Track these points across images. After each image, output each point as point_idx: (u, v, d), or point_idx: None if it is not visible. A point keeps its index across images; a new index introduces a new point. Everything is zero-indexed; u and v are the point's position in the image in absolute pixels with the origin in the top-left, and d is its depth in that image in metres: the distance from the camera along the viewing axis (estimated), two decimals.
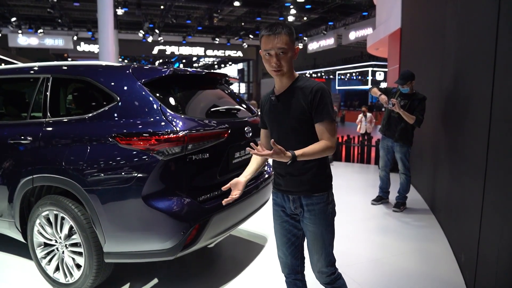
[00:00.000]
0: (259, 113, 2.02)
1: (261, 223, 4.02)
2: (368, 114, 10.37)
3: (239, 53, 29.54)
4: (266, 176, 3.18)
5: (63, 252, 2.57)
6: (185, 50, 27.72)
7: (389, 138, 4.69)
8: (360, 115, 10.37)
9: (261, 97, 2.02)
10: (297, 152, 1.65)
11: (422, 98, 4.41)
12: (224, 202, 1.79)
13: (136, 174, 2.23)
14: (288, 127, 1.82)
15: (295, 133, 1.81)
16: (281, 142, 1.81)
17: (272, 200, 2.00)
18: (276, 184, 1.94)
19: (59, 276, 2.61)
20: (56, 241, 2.60)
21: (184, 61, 40.32)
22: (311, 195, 1.82)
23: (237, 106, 3.03)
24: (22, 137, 2.63)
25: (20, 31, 21.61)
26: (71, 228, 2.48)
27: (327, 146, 1.72)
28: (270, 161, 2.00)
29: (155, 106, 2.33)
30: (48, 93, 2.70)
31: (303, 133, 1.79)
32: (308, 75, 34.48)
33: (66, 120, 2.60)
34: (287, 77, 1.81)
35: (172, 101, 2.47)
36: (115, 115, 2.38)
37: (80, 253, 2.47)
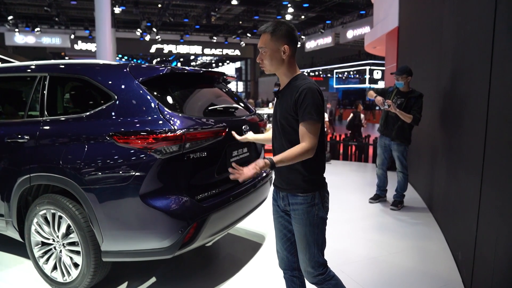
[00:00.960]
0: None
1: (259, 221, 4.02)
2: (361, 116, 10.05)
3: (237, 52, 29.51)
4: (264, 174, 3.19)
5: (60, 251, 2.57)
6: (182, 49, 27.66)
7: (387, 136, 4.70)
8: (351, 114, 10.05)
9: None
10: (275, 159, 1.73)
11: (419, 95, 4.40)
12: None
13: (133, 173, 2.23)
14: (279, 124, 1.87)
15: (283, 130, 1.85)
16: (274, 136, 1.93)
17: (272, 195, 2.08)
18: (274, 179, 2.01)
19: (57, 275, 2.61)
20: (53, 240, 2.59)
21: (181, 59, 40.25)
22: (296, 194, 1.85)
23: (235, 105, 3.02)
24: (19, 136, 2.62)
25: (17, 30, 21.50)
26: (68, 227, 2.48)
27: (304, 149, 1.73)
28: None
29: (152, 104, 2.33)
30: (45, 92, 2.69)
31: (289, 132, 1.83)
32: (306, 74, 34.42)
33: (63, 118, 2.59)
34: (283, 75, 1.87)
35: (169, 99, 2.47)
36: (113, 113, 2.38)
37: (77, 252, 2.47)
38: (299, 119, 1.77)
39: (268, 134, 2.22)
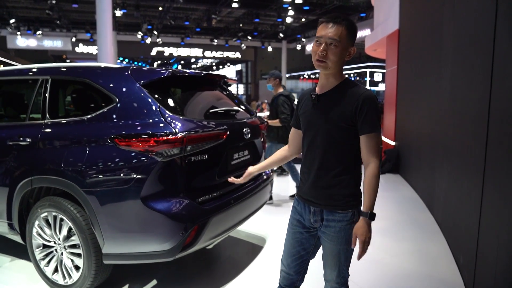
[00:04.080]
0: (294, 110, 1.89)
1: (260, 224, 4.02)
2: None
3: (238, 55, 29.54)
4: (265, 177, 3.19)
5: (62, 253, 2.57)
6: (183, 52, 27.71)
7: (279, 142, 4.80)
8: None
9: (301, 93, 1.86)
10: (368, 207, 1.53)
11: (277, 96, 4.62)
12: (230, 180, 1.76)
13: (135, 176, 2.23)
14: (324, 132, 1.62)
15: (331, 140, 1.62)
16: (311, 148, 1.68)
17: (293, 207, 1.84)
18: (299, 189, 1.78)
19: (58, 278, 2.61)
20: (55, 243, 2.59)
21: (182, 62, 40.30)
22: (335, 210, 1.64)
23: (236, 108, 3.03)
24: (21, 139, 2.63)
25: (18, 33, 21.59)
26: (70, 229, 2.48)
27: (378, 169, 1.56)
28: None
29: (154, 107, 2.34)
30: (47, 95, 2.70)
31: (340, 143, 1.61)
32: (306, 76, 34.51)
33: (65, 121, 2.60)
34: (333, 76, 1.63)
35: (171, 102, 2.48)
36: (114, 116, 2.38)
37: (79, 255, 2.47)
38: (360, 130, 1.56)
39: (271, 159, 1.94)
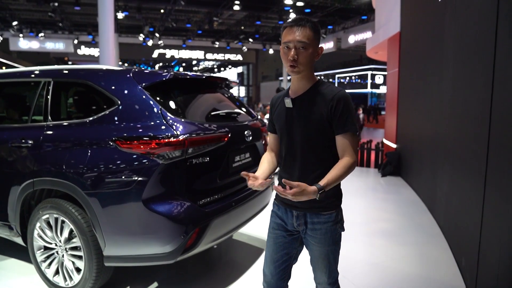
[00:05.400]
0: (268, 115, 1.84)
1: (261, 226, 4.01)
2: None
3: (239, 57, 29.62)
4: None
5: (63, 255, 2.57)
6: (185, 54, 27.79)
7: None
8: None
9: (273, 98, 1.85)
10: (322, 183, 1.48)
11: None
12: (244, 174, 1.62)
13: (136, 178, 2.24)
14: (301, 135, 1.63)
15: (309, 143, 1.62)
16: (290, 152, 1.67)
17: (272, 212, 1.83)
18: (280, 195, 1.71)
19: (59, 280, 2.61)
20: (56, 245, 2.60)
21: (184, 64, 40.41)
22: (319, 213, 1.65)
23: (237, 110, 3.03)
24: (23, 141, 2.64)
25: (21, 35, 21.70)
26: (71, 231, 2.48)
27: (351, 164, 1.56)
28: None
29: (155, 110, 2.34)
30: (49, 97, 2.71)
31: (318, 144, 1.61)
32: None
33: (66, 123, 2.61)
34: (306, 78, 1.62)
35: (172, 105, 2.48)
36: (116, 118, 2.39)
37: (80, 257, 2.47)
38: (335, 130, 1.58)
39: (268, 165, 1.80)
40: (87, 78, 2.60)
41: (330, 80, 36.56)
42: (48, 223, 2.58)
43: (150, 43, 24.09)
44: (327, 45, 24.00)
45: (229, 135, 2.59)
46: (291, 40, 1.55)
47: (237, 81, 3.62)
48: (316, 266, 1.74)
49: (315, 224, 1.66)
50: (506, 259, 2.09)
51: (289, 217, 1.73)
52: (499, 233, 2.20)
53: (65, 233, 2.51)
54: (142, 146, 2.25)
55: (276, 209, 1.81)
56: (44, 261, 2.66)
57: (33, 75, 2.89)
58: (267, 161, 1.82)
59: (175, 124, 2.30)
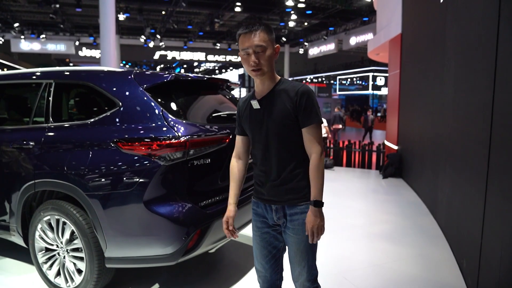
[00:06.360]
0: (236, 119, 1.89)
1: None
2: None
3: (240, 58, 29.65)
4: None
5: (64, 257, 2.57)
6: (186, 55, 27.83)
7: None
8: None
9: (238, 102, 1.91)
10: (316, 197, 1.63)
11: None
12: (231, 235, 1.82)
13: (137, 179, 2.24)
14: (271, 132, 1.70)
15: (279, 139, 1.69)
16: (264, 151, 1.74)
17: (252, 210, 1.87)
18: (257, 192, 1.83)
19: (60, 281, 2.61)
20: (57, 246, 2.60)
21: (185, 66, 40.45)
22: (296, 204, 1.72)
23: None
24: (25, 142, 2.64)
25: (22, 36, 21.76)
26: (72, 233, 2.48)
27: (318, 161, 1.65)
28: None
29: (156, 111, 2.34)
30: (50, 98, 2.71)
31: (287, 139, 1.69)
32: (309, 80, 34.55)
33: (68, 125, 2.61)
34: (269, 79, 1.70)
35: (173, 106, 2.48)
36: (117, 120, 2.39)
37: (81, 258, 2.47)
38: (301, 123, 1.66)
39: (236, 183, 1.87)
40: (89, 80, 2.61)
41: (332, 81, 36.58)
42: (50, 225, 2.58)
43: (151, 44, 24.15)
44: (328, 47, 24.02)
45: (230, 137, 2.59)
46: (249, 46, 1.62)
47: (238, 82, 3.62)
48: (294, 260, 1.79)
49: (292, 216, 1.74)
50: (508, 261, 2.08)
51: (269, 212, 1.79)
52: (500, 235, 2.19)
53: (67, 235, 2.51)
54: (143, 148, 2.25)
55: (255, 206, 1.86)
56: (46, 263, 2.66)
57: (34, 77, 2.90)
58: (234, 180, 1.88)
59: (177, 125, 2.31)
